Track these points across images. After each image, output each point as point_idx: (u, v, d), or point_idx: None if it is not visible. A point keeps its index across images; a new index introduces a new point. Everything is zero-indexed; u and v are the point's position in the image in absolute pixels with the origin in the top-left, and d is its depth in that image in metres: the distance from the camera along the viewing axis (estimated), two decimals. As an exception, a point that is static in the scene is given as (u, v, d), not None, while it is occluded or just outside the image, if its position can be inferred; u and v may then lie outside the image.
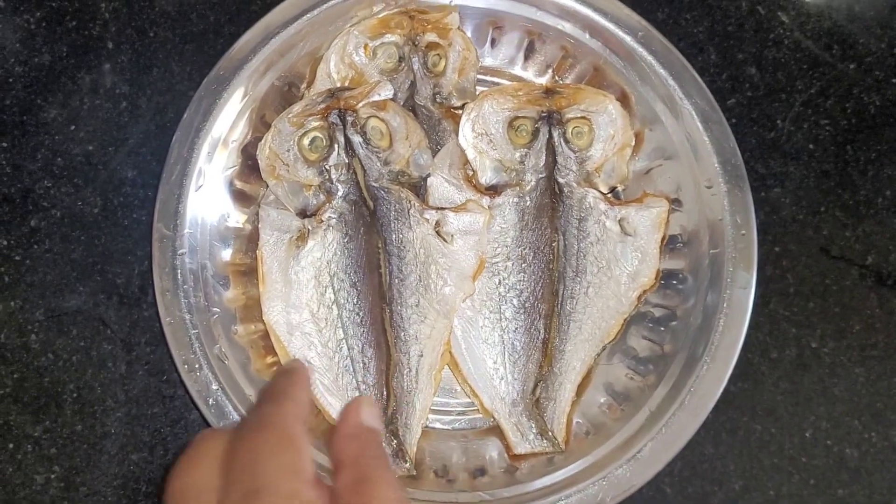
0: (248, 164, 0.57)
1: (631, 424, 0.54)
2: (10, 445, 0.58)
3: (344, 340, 0.54)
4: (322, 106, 0.54)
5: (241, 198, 0.57)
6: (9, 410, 0.58)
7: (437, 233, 0.54)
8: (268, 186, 0.55)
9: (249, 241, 0.57)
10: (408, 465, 0.53)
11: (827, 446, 0.61)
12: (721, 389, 0.54)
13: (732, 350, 0.54)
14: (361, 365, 0.53)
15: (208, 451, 0.35)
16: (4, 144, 0.62)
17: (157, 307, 0.53)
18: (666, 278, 0.57)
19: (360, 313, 0.53)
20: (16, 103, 0.62)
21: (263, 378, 0.55)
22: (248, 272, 0.57)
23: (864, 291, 0.63)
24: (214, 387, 0.53)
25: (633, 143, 0.57)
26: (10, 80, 0.63)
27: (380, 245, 0.54)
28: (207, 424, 0.53)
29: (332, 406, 0.54)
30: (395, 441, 0.53)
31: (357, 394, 0.53)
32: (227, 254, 0.56)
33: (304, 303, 0.54)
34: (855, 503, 0.60)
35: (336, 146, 0.54)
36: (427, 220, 0.54)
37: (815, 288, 0.63)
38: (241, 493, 0.32)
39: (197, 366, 0.53)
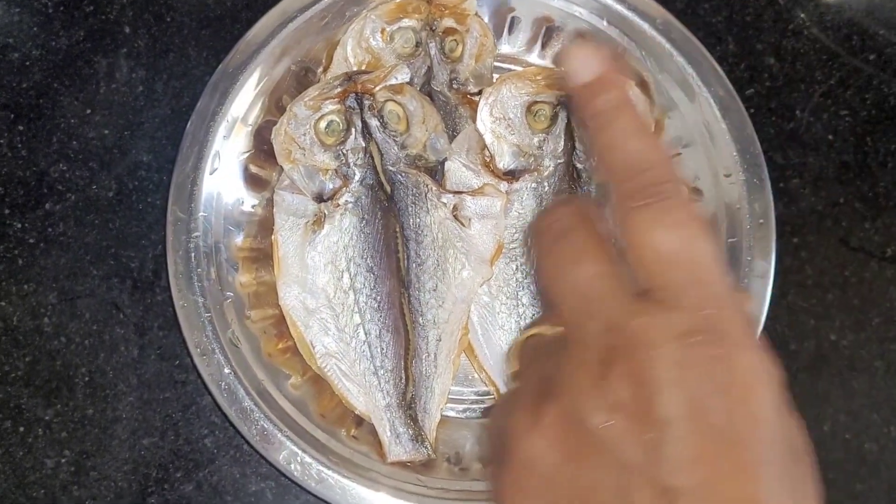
0: (263, 148, 0.56)
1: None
2: (21, 429, 0.57)
3: (361, 325, 0.53)
4: (339, 89, 0.53)
5: (255, 182, 0.57)
6: (20, 394, 0.58)
7: (455, 217, 0.53)
8: (282, 171, 0.55)
9: (261, 226, 0.56)
10: (428, 449, 0.53)
11: (845, 440, 0.60)
12: (739, 379, 0.53)
13: (751, 340, 0.53)
14: (379, 350, 0.53)
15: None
16: (20, 128, 0.62)
17: (171, 291, 0.53)
18: (683, 268, 0.57)
19: (378, 298, 0.53)
20: (32, 87, 0.62)
21: (275, 363, 0.54)
22: (261, 258, 0.56)
23: (883, 284, 0.62)
24: (227, 371, 0.52)
25: (653, 130, 0.57)
26: (27, 63, 0.63)
27: (397, 229, 0.54)
28: (219, 409, 0.52)
29: (350, 391, 0.53)
30: (414, 426, 0.53)
31: (374, 379, 0.53)
32: (239, 239, 0.56)
33: (321, 288, 0.53)
34: (874, 498, 0.59)
35: (353, 130, 0.53)
36: (444, 204, 0.53)
37: (834, 280, 0.62)
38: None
39: (210, 349, 0.52)
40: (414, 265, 0.53)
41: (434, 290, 0.53)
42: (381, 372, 0.53)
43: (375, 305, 0.53)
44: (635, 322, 0.29)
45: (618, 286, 0.31)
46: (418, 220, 0.53)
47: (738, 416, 0.28)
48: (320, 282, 0.53)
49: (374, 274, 0.53)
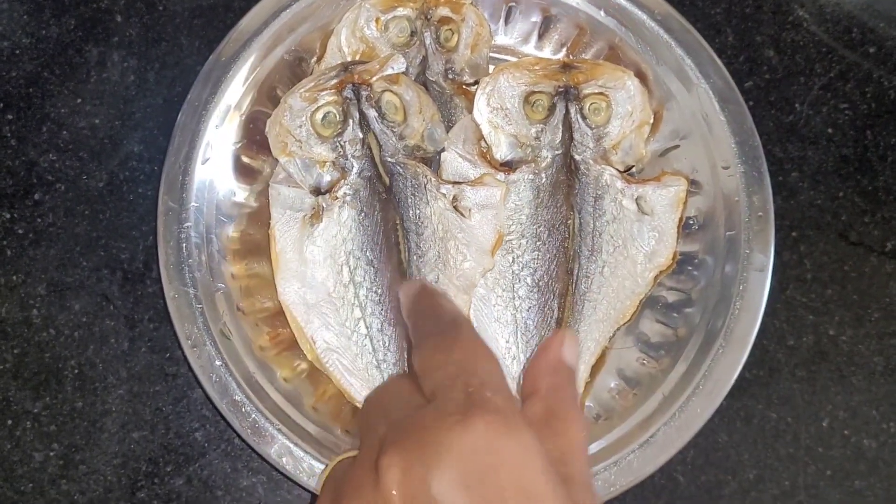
0: (255, 138, 0.55)
1: (644, 409, 0.53)
2: (9, 422, 0.56)
3: (362, 319, 0.52)
4: (335, 80, 0.53)
5: (247, 173, 0.56)
6: (8, 386, 0.57)
7: (455, 208, 0.53)
8: (275, 162, 0.54)
9: (253, 217, 0.56)
10: None
11: (844, 436, 0.59)
12: (736, 373, 0.52)
13: (748, 333, 0.53)
14: (381, 343, 0.52)
15: (400, 379, 0.36)
16: (10, 117, 0.61)
17: (161, 282, 0.52)
18: (681, 262, 0.56)
19: (379, 291, 0.52)
20: (22, 76, 0.61)
21: (267, 356, 0.54)
22: (253, 250, 0.55)
23: (883, 278, 0.62)
24: (218, 363, 0.51)
25: (652, 121, 0.56)
26: (17, 52, 0.62)
27: (397, 221, 0.53)
28: (210, 402, 0.52)
29: (353, 386, 0.53)
30: None
31: (377, 373, 0.52)
32: (231, 230, 0.55)
33: (320, 282, 0.53)
34: (872, 495, 0.59)
35: (350, 121, 0.53)
36: (444, 195, 0.53)
37: (833, 274, 0.62)
38: (462, 388, 0.31)
39: (201, 341, 0.52)
40: (415, 257, 0.53)
41: (435, 282, 0.53)
42: (384, 366, 0.52)
43: (376, 299, 0.52)
44: (410, 416, 0.32)
45: (408, 397, 0.34)
46: (418, 211, 0.53)
47: (510, 494, 0.29)
48: (319, 276, 0.53)
49: (374, 267, 0.52)
